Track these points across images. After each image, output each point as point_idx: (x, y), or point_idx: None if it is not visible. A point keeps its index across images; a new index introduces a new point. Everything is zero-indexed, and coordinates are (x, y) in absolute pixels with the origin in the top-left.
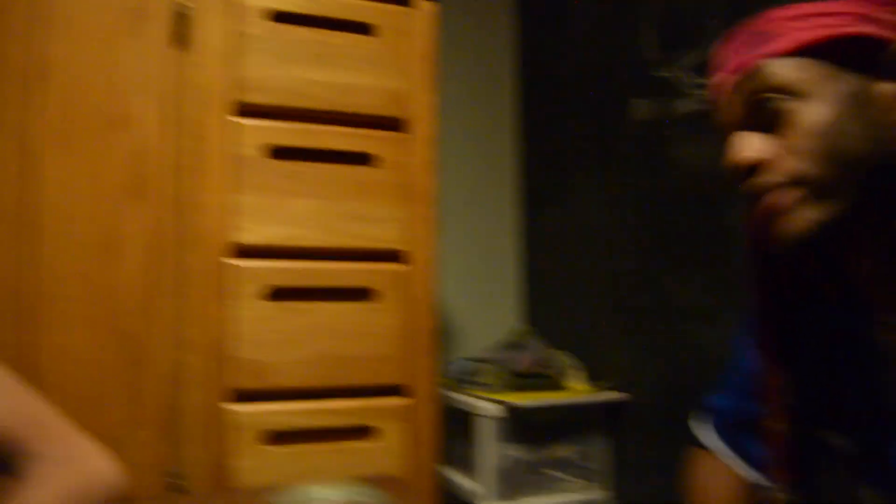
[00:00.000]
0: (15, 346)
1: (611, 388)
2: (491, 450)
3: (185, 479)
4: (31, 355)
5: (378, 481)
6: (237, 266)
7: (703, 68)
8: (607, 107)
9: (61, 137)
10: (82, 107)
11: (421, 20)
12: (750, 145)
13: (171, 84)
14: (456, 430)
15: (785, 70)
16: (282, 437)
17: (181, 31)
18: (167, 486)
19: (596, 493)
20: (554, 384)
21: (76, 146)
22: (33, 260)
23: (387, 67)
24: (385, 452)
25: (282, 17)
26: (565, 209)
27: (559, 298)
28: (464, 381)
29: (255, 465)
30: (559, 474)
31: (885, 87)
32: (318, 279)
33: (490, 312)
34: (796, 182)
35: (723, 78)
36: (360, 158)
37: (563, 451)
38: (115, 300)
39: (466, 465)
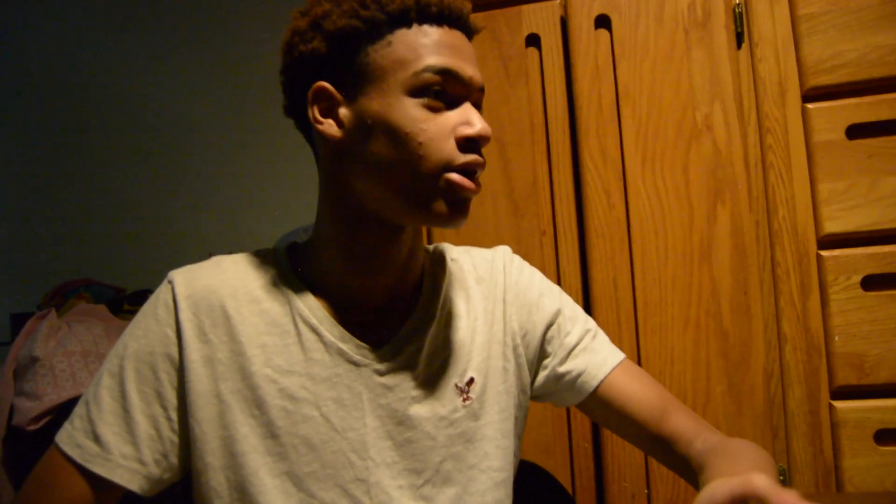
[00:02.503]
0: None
1: None
2: None
3: (792, 477)
4: (635, 359)
5: None
6: (827, 257)
7: None
8: None
9: (644, 155)
10: (659, 123)
11: None
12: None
13: (738, 83)
14: None
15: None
16: (894, 435)
17: (738, 29)
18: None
19: None
20: None
21: (658, 161)
22: (628, 271)
23: None
24: None
25: None
26: None
27: None
28: None
29: (867, 465)
30: None
31: None
32: None
33: None
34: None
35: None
36: None
37: None
38: (711, 301)
39: None
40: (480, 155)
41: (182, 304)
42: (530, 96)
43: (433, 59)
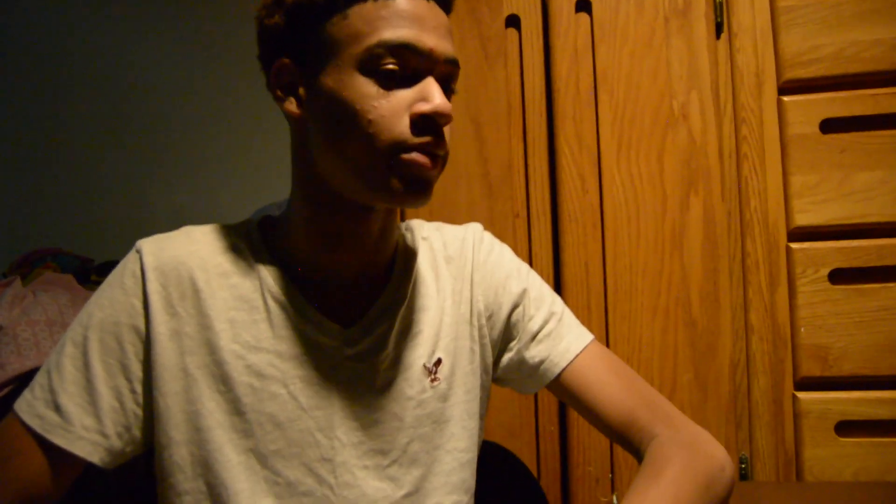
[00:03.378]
0: None
1: None
2: None
3: (754, 466)
4: (604, 345)
5: None
6: (796, 249)
7: None
8: None
9: (620, 142)
10: (636, 109)
11: None
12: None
13: (716, 73)
14: None
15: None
16: (854, 427)
17: (718, 19)
18: (738, 470)
19: None
20: None
21: (634, 148)
22: (599, 257)
23: None
24: None
25: None
26: None
27: None
28: None
29: (827, 455)
30: None
31: None
32: (887, 258)
33: None
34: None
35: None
36: None
37: None
38: (680, 290)
39: None
40: (439, 134)
41: (150, 275)
42: (508, 78)
43: (388, 34)
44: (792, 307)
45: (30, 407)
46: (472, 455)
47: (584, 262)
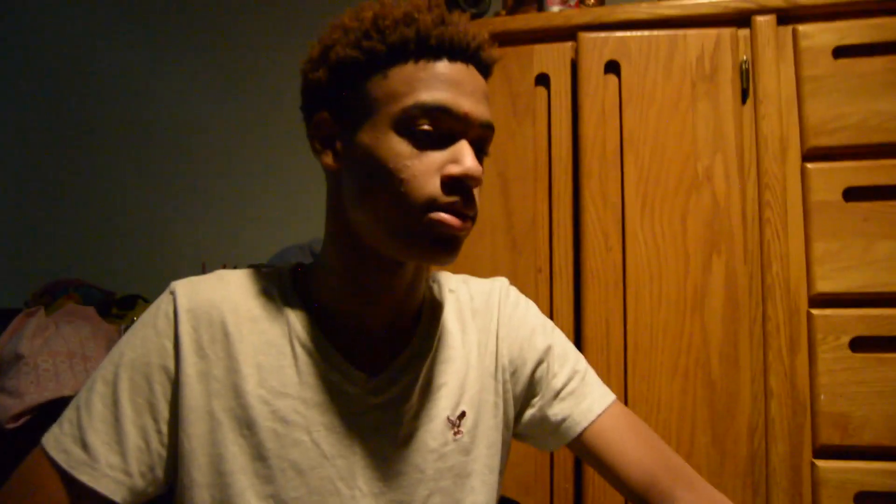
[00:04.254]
0: None
1: None
2: None
3: None
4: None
5: None
6: (817, 315)
7: None
8: None
9: (644, 201)
10: (661, 170)
11: None
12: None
13: (741, 139)
14: None
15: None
16: (874, 498)
17: (744, 85)
18: None
19: None
20: None
21: (658, 208)
22: (621, 314)
23: None
24: None
25: (842, 52)
26: None
27: None
28: None
29: None
30: None
31: None
32: None
33: None
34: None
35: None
36: None
37: None
38: (701, 351)
39: None
40: (469, 195)
41: (183, 317)
42: (536, 135)
43: (425, 96)
44: (812, 373)
45: (57, 442)
46: None
47: (605, 320)
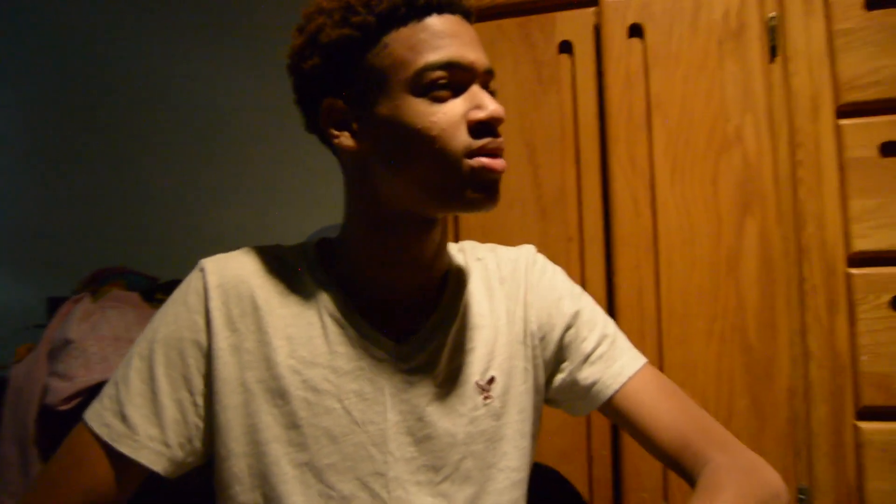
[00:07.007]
0: None
1: None
2: None
3: (814, 497)
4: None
5: None
6: (856, 275)
7: None
8: None
9: (674, 165)
10: (689, 133)
11: None
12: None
13: (770, 97)
14: None
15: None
16: None
17: (772, 42)
18: (797, 502)
19: None
20: None
21: (688, 171)
22: (653, 281)
23: None
24: None
25: (875, 3)
26: None
27: None
28: None
29: (891, 489)
30: None
31: None
32: None
33: None
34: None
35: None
36: None
37: None
38: (736, 315)
39: None
40: (497, 135)
41: (212, 293)
42: (561, 102)
43: (433, 56)
44: (852, 334)
45: (98, 416)
46: (523, 475)
47: (637, 286)
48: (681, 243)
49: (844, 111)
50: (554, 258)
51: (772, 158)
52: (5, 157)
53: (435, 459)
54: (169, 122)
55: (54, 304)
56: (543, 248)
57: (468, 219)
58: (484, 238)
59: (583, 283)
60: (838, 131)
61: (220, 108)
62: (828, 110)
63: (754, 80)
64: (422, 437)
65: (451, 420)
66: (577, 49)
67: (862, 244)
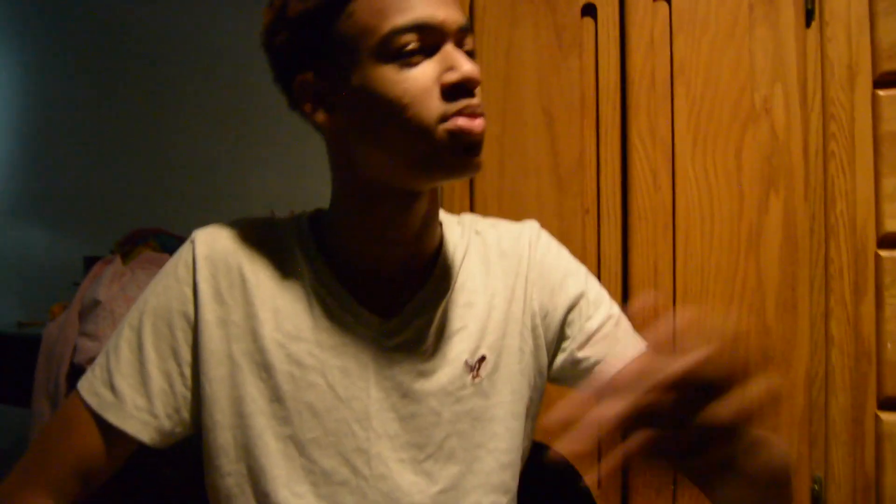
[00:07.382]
0: None
1: None
2: None
3: (828, 488)
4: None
5: None
6: (886, 257)
7: None
8: None
9: (696, 137)
10: (714, 103)
11: None
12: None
13: (803, 65)
14: None
15: None
16: None
17: (808, 6)
18: (810, 492)
19: None
20: None
21: (710, 143)
22: (670, 257)
23: None
24: None
25: None
26: None
27: None
28: None
29: None
30: None
31: None
32: None
33: None
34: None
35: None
36: None
37: None
38: (755, 295)
39: None
40: (473, 96)
41: (200, 265)
42: (583, 68)
43: (398, 19)
44: (879, 319)
45: (90, 385)
46: (514, 456)
47: (653, 263)
48: (700, 219)
49: (883, 81)
50: (570, 230)
51: (801, 131)
52: (46, 117)
53: (419, 437)
54: (208, 87)
55: (90, 263)
56: (559, 220)
57: (483, 189)
58: (500, 207)
59: (598, 258)
60: (875, 103)
61: (259, 75)
62: (865, 80)
63: (786, 47)
64: (406, 414)
65: (437, 398)
66: (601, 12)
67: (894, 225)
